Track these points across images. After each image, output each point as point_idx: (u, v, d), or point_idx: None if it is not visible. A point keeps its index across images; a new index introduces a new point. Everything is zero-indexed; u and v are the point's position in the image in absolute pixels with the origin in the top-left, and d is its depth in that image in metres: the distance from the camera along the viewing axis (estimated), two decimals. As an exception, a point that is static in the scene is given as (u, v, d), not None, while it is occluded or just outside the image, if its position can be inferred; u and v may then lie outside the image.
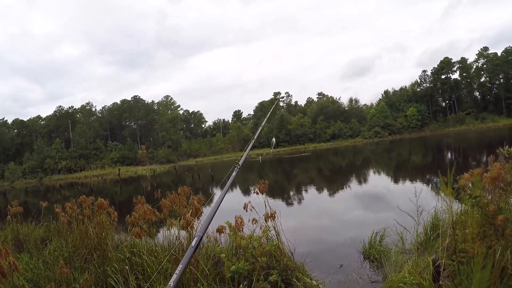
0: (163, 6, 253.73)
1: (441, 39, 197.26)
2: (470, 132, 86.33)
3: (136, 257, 6.43)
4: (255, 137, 5.02)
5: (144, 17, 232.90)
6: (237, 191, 25.93)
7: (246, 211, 6.64)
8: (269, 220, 6.53)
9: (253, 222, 6.63)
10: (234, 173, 3.77)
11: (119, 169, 75.37)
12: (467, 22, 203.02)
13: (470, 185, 5.71)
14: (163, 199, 6.69)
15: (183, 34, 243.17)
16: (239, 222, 5.87)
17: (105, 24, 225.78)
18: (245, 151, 4.39)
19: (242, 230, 6.01)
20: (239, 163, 3.92)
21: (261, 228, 6.55)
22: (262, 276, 5.64)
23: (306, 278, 6.34)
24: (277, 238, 6.68)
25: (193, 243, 2.65)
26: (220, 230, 6.20)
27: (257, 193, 7.09)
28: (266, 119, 6.26)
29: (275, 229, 6.74)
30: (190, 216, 5.65)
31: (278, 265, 6.12)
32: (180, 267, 2.40)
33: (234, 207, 6.88)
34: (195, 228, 5.68)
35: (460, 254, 5.11)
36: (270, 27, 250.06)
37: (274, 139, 7.29)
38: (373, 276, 7.25)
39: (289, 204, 18.55)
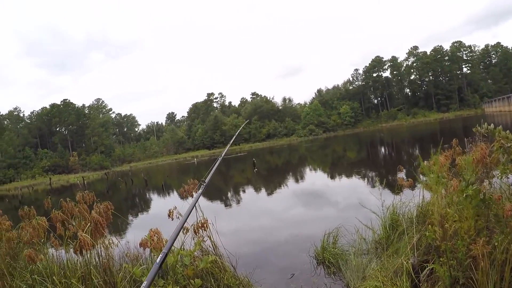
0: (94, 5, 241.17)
1: (374, 39, 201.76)
2: (402, 127, 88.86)
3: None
4: (233, 139, 4.94)
5: (73, 16, 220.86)
6: (174, 195, 24.41)
7: (172, 219, 5.28)
8: (201, 229, 5.20)
9: (184, 233, 5.27)
10: (200, 191, 3.50)
11: (50, 178, 71.32)
12: (399, 23, 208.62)
13: (459, 169, 4.67)
14: (54, 210, 5.11)
15: (115, 32, 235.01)
16: (155, 240, 4.47)
17: (34, 23, 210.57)
18: (214, 164, 4.18)
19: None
20: (206, 180, 3.66)
21: (193, 239, 5.23)
22: (197, 304, 4.37)
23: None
24: (214, 251, 5.37)
25: (158, 259, 2.49)
26: (144, 245, 4.71)
27: (185, 197, 5.73)
28: (234, 137, 5.33)
29: (210, 239, 5.41)
30: (88, 233, 4.14)
31: (218, 286, 4.84)
32: (144, 283, 2.26)
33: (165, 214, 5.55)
34: (98, 248, 4.30)
35: (452, 255, 4.05)
36: (204, 26, 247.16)
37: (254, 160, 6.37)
38: (333, 286, 6.12)
39: (227, 205, 17.50)
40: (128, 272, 4.61)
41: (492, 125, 4.84)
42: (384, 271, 5.29)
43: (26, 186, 70.61)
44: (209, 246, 5.40)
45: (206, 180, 3.59)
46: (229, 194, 21.15)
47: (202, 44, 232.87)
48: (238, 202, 18.65)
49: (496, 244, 3.73)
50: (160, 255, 2.50)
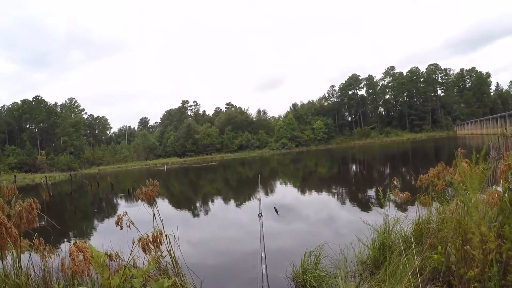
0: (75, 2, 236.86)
1: (353, 58, 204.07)
2: (375, 145, 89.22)
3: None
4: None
5: (54, 13, 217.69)
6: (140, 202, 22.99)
7: (121, 228, 4.20)
8: (153, 245, 4.06)
9: (139, 245, 4.14)
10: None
11: (15, 176, 68.88)
12: (379, 42, 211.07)
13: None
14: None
15: (97, 33, 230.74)
16: (78, 260, 3.34)
17: (12, 17, 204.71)
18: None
19: (116, 259, 3.59)
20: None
21: (149, 254, 4.12)
22: None
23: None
24: (174, 269, 4.28)
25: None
26: (63, 267, 3.50)
27: (142, 200, 4.66)
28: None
29: (170, 254, 4.31)
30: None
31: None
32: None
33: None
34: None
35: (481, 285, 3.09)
36: (186, 33, 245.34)
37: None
38: (317, 316, 5.11)
39: (196, 215, 16.48)
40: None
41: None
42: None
43: (-11, 182, 67.58)
44: (169, 263, 4.31)
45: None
46: (197, 204, 20.13)
47: (181, 50, 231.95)
48: (207, 212, 17.67)
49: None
50: None
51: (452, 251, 3.79)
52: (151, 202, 4.89)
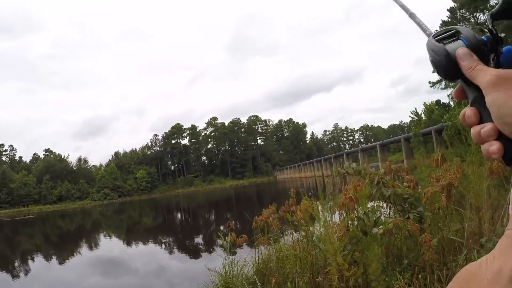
0: None
1: (177, 107, 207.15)
2: (198, 193, 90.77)
3: None
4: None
5: None
6: None
7: None
8: None
9: None
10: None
11: None
12: (204, 95, 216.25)
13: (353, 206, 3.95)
14: None
15: None
16: None
17: None
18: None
19: None
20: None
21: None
22: None
23: None
24: None
25: None
26: None
27: None
28: None
29: None
30: None
31: None
32: None
33: None
34: None
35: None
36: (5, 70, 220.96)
37: None
38: None
39: (15, 276, 14.94)
40: None
41: (354, 164, 4.41)
42: None
43: None
44: None
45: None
46: (15, 264, 18.33)
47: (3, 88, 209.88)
48: (27, 272, 16.18)
49: None
50: None
51: (303, 285, 3.91)
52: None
